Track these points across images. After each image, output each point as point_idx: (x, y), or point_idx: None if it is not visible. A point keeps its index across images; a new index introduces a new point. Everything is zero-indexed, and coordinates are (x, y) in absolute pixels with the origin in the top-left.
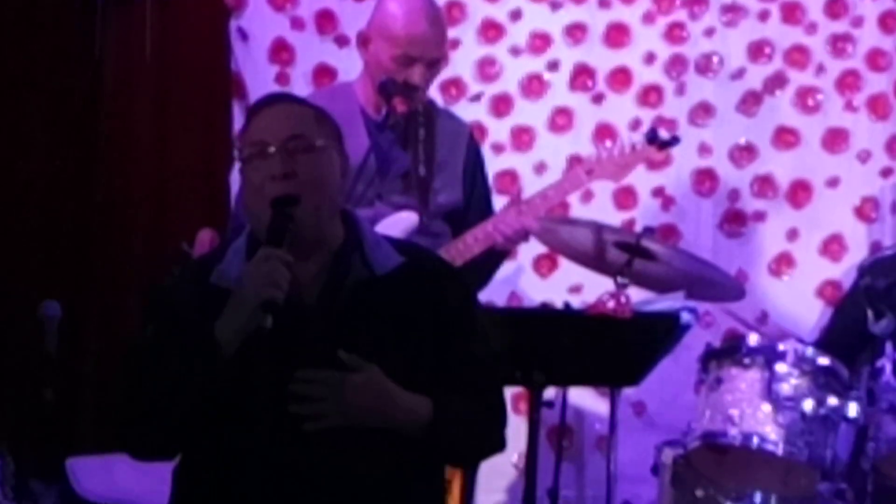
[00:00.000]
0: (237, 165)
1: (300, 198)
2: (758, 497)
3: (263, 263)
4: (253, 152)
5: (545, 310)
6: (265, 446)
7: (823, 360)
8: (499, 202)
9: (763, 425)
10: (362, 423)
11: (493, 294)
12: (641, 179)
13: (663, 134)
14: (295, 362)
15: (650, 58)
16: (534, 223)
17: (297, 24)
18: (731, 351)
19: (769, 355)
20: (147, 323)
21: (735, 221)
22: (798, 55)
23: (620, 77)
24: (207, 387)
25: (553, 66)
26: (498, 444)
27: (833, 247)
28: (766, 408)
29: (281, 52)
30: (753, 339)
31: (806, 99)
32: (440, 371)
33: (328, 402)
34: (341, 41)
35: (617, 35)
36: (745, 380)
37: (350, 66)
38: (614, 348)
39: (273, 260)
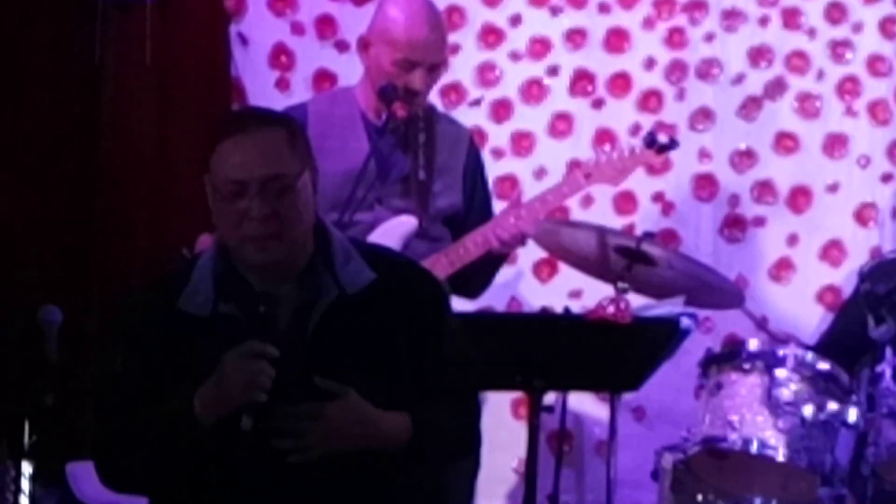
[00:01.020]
0: (210, 192)
1: (276, 236)
2: (758, 502)
3: (252, 362)
4: (231, 191)
5: (545, 315)
6: (245, 475)
7: (823, 365)
8: (499, 207)
9: (763, 430)
10: (343, 449)
11: (492, 299)
12: (641, 184)
13: (661, 138)
14: (272, 387)
15: (650, 63)
16: (532, 227)
17: (297, 29)
18: (731, 356)
19: (769, 360)
20: (116, 349)
21: (735, 227)
22: (798, 60)
23: (620, 82)
24: (184, 448)
25: (553, 71)
26: (471, 447)
27: (833, 252)
28: (766, 413)
29: (281, 57)
30: (753, 344)
31: (806, 104)
32: (416, 380)
33: (310, 435)
34: (341, 46)
35: (617, 40)
36: (745, 385)
37: (350, 71)
38: (614, 353)
39: (260, 360)
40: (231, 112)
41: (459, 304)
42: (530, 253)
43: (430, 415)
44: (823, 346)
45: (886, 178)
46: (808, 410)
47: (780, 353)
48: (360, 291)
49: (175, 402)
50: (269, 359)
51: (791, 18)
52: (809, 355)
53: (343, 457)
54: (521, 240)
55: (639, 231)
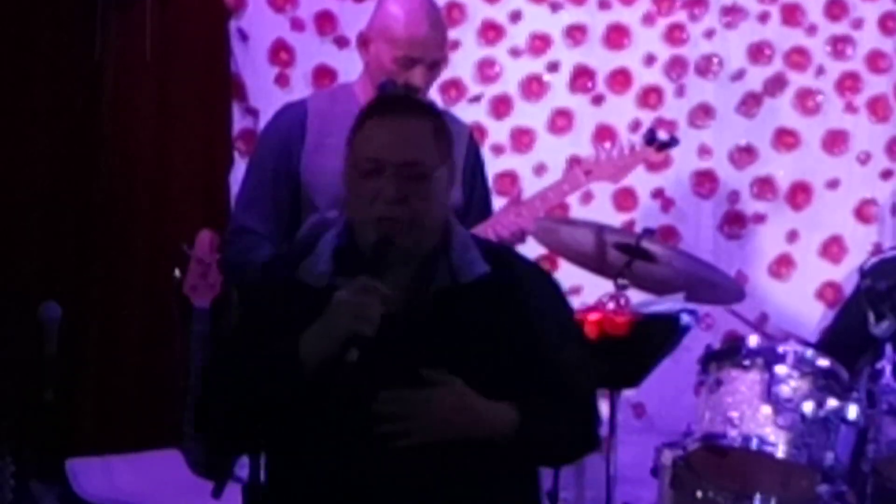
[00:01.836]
0: (347, 168)
1: (406, 221)
2: (758, 499)
3: (361, 295)
4: (369, 169)
5: None
6: (349, 459)
7: (823, 362)
8: (498, 203)
9: (763, 427)
10: (448, 438)
11: None
12: (641, 181)
13: (662, 135)
14: (378, 372)
15: (650, 59)
16: (532, 224)
17: (296, 25)
18: (730, 353)
19: (769, 357)
20: (235, 311)
21: (735, 223)
22: (798, 57)
23: (620, 78)
24: (285, 396)
25: (553, 67)
26: (591, 444)
27: (833, 248)
28: (766, 410)
29: (281, 53)
30: (753, 340)
31: (806, 100)
32: (529, 376)
33: (414, 420)
34: (341, 42)
35: (617, 36)
36: (744, 382)
37: (350, 67)
38: (614, 350)
39: (370, 294)
40: (384, 94)
41: None
42: (530, 249)
43: (542, 410)
44: (825, 343)
45: (886, 174)
46: (808, 407)
47: (780, 349)
48: (472, 282)
49: (279, 348)
50: (383, 297)
51: (791, 15)
52: (809, 352)
53: (447, 445)
54: (520, 237)
55: (639, 227)
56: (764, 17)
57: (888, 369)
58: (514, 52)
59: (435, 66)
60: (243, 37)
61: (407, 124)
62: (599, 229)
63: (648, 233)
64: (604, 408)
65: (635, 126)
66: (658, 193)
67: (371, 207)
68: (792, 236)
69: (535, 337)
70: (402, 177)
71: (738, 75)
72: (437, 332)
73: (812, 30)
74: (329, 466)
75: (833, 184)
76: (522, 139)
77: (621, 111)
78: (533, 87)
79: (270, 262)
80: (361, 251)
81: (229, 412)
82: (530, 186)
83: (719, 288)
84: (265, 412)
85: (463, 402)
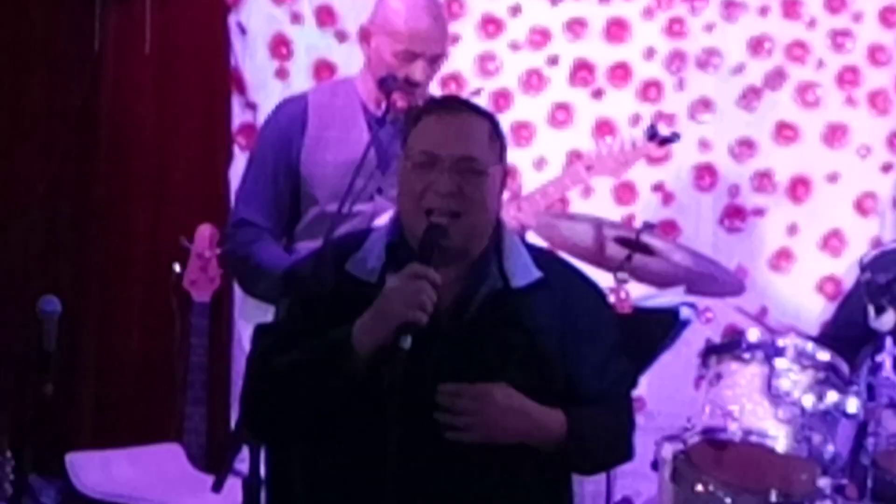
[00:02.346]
0: (402, 164)
1: (456, 216)
2: (758, 493)
3: (413, 282)
4: (422, 161)
5: None
6: (391, 454)
7: (823, 356)
8: None
9: (763, 421)
10: (499, 439)
11: None
12: (641, 175)
13: (663, 130)
14: (424, 369)
15: (650, 53)
16: (532, 220)
17: (296, 18)
18: (730, 346)
19: (769, 351)
20: (281, 300)
21: (735, 217)
22: (798, 50)
23: (620, 72)
24: (336, 384)
25: (553, 61)
26: (626, 454)
27: (833, 242)
28: (766, 403)
29: (280, 46)
30: (753, 334)
31: (806, 94)
32: (572, 385)
33: (473, 416)
34: (341, 36)
35: (617, 30)
36: (744, 375)
37: (350, 61)
38: None
39: (422, 280)
40: (443, 95)
41: None
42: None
43: (588, 416)
44: (826, 337)
45: (886, 167)
46: (808, 401)
47: (780, 343)
48: (524, 287)
49: (332, 335)
50: (434, 283)
51: (791, 8)
52: (809, 345)
53: (493, 449)
54: (521, 232)
55: (639, 221)
56: (764, 11)
57: (888, 363)
58: (514, 46)
59: (436, 60)
60: (243, 30)
61: (463, 120)
62: (599, 224)
63: (648, 227)
64: None
65: (635, 120)
66: (658, 187)
67: (422, 200)
68: (792, 230)
69: (585, 345)
70: (457, 171)
71: (738, 69)
72: (485, 334)
73: (812, 23)
74: (367, 459)
75: (833, 177)
76: (522, 133)
77: (621, 105)
78: (533, 81)
79: (320, 254)
80: (411, 246)
81: (282, 404)
82: (530, 180)
83: (719, 282)
84: (318, 403)
85: (517, 402)
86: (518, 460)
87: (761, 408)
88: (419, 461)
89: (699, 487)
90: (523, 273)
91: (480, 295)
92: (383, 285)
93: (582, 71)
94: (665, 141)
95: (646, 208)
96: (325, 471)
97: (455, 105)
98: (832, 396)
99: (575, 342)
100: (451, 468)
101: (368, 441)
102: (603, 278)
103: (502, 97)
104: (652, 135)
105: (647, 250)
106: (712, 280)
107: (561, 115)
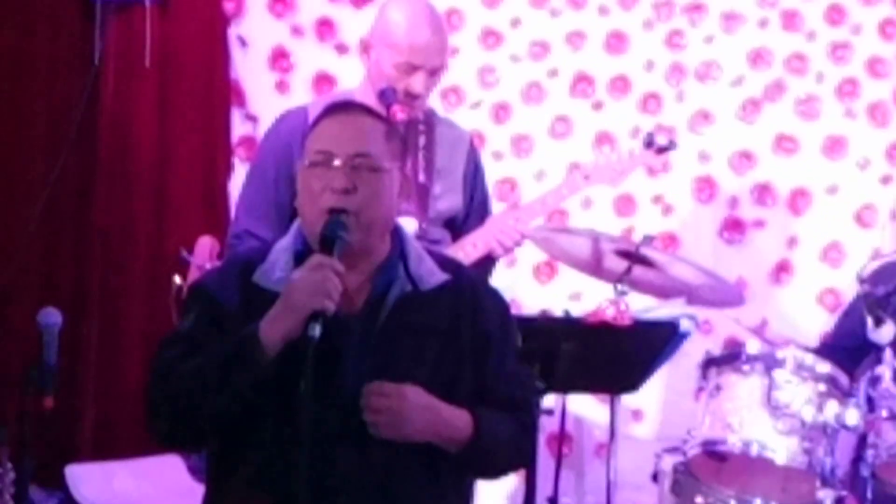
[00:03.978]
0: (299, 170)
1: (354, 212)
2: None
3: (316, 271)
4: (317, 160)
5: (545, 317)
6: (302, 457)
7: (823, 368)
8: (498, 209)
9: (763, 432)
10: (412, 437)
11: None
12: (641, 187)
13: (660, 139)
14: (335, 371)
15: (650, 65)
16: (530, 230)
17: (296, 31)
18: (730, 358)
19: (769, 363)
20: (186, 314)
21: (735, 229)
22: (797, 62)
23: (620, 84)
24: (246, 385)
25: (553, 73)
26: (526, 460)
27: (833, 254)
28: (766, 415)
29: (280, 59)
30: (753, 346)
31: (805, 106)
32: (478, 388)
33: (385, 413)
34: (341, 49)
35: (616, 42)
36: (744, 387)
37: (350, 73)
38: (614, 356)
39: (326, 269)
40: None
41: None
42: (530, 255)
43: (491, 418)
44: (825, 348)
45: (886, 179)
46: (807, 412)
47: (780, 355)
48: (432, 289)
49: (240, 333)
50: (337, 272)
51: (790, 20)
52: (809, 357)
53: (399, 447)
54: (519, 242)
55: (638, 233)
56: (763, 23)
57: (888, 375)
58: (514, 58)
59: (436, 72)
60: (243, 43)
61: (359, 120)
62: (598, 238)
63: (648, 239)
64: (603, 413)
65: (635, 132)
66: (658, 199)
67: (320, 199)
68: (792, 242)
69: (491, 347)
70: (352, 167)
71: (738, 81)
72: (396, 336)
73: (811, 35)
74: (279, 456)
75: (832, 189)
76: (522, 145)
77: (621, 117)
78: (533, 93)
79: (225, 269)
80: (316, 251)
81: (189, 408)
82: (530, 192)
83: (719, 294)
84: (227, 403)
85: (428, 402)
86: (424, 460)
87: (761, 419)
88: (333, 463)
89: (699, 499)
90: (429, 277)
91: (391, 297)
92: None
93: (582, 83)
94: (662, 149)
95: (645, 220)
96: (241, 472)
97: (351, 107)
98: (832, 408)
99: (484, 345)
100: (362, 472)
101: (280, 443)
102: (602, 290)
103: (502, 109)
104: (649, 143)
105: (647, 262)
106: (712, 292)
107: (561, 126)
